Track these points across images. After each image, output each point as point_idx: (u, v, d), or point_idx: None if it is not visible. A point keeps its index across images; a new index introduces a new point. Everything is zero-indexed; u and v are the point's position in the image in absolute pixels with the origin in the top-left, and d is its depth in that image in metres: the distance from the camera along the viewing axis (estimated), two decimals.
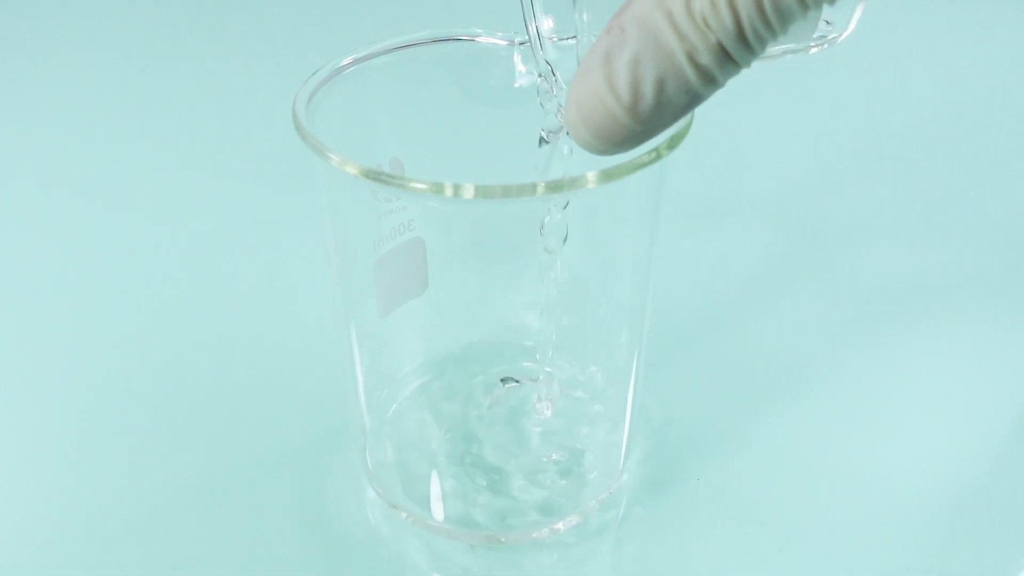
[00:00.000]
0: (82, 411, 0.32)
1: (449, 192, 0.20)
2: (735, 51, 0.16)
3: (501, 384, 0.31)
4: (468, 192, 0.20)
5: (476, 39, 0.26)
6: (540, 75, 0.23)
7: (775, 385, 0.33)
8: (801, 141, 0.49)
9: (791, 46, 0.21)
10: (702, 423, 0.31)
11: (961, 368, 0.34)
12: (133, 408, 0.32)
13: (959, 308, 0.37)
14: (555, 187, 0.20)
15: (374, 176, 0.20)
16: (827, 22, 0.21)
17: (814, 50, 0.21)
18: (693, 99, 0.17)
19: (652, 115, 0.17)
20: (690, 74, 0.16)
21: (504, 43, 0.26)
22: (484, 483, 0.28)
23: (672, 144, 0.21)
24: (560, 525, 0.27)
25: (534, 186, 0.20)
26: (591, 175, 0.20)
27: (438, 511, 0.27)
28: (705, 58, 0.16)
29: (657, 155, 0.21)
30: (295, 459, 0.30)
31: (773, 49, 0.21)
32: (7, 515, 0.28)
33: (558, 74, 0.23)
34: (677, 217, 0.41)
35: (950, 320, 0.36)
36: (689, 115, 0.22)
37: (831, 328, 0.36)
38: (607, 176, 0.20)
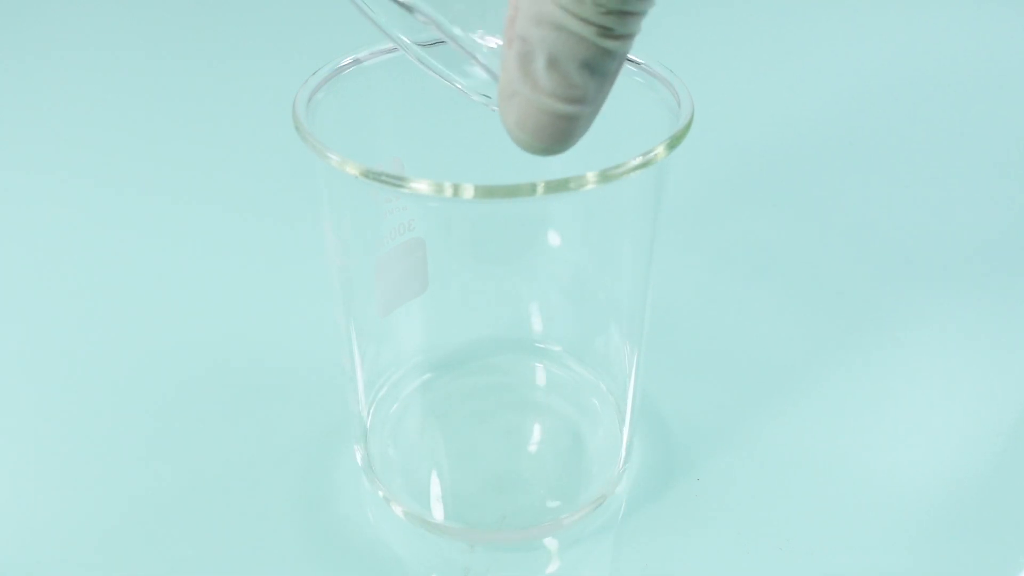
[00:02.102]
0: (81, 410, 0.32)
1: (449, 192, 0.20)
2: (634, 6, 0.16)
3: None
4: (468, 192, 0.20)
5: (478, 39, 0.26)
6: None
7: (775, 385, 0.33)
8: (800, 136, 0.49)
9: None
10: (702, 423, 0.31)
11: (963, 367, 0.34)
12: (133, 407, 0.32)
13: (962, 307, 0.37)
14: (555, 187, 0.20)
15: (374, 176, 0.20)
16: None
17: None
18: (621, 58, 0.17)
19: (595, 92, 0.17)
20: (608, 45, 0.16)
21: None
22: (484, 482, 0.28)
23: (672, 144, 0.21)
24: (560, 525, 0.27)
25: (534, 186, 0.20)
26: (591, 175, 0.20)
27: (438, 510, 0.27)
28: (615, 29, 0.16)
29: (656, 155, 0.21)
30: (295, 458, 0.30)
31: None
32: (8, 516, 0.28)
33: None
34: (677, 216, 0.41)
35: (952, 319, 0.36)
36: (688, 116, 0.22)
37: (832, 328, 0.36)
38: (607, 176, 0.20)
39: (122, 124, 0.51)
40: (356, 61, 0.25)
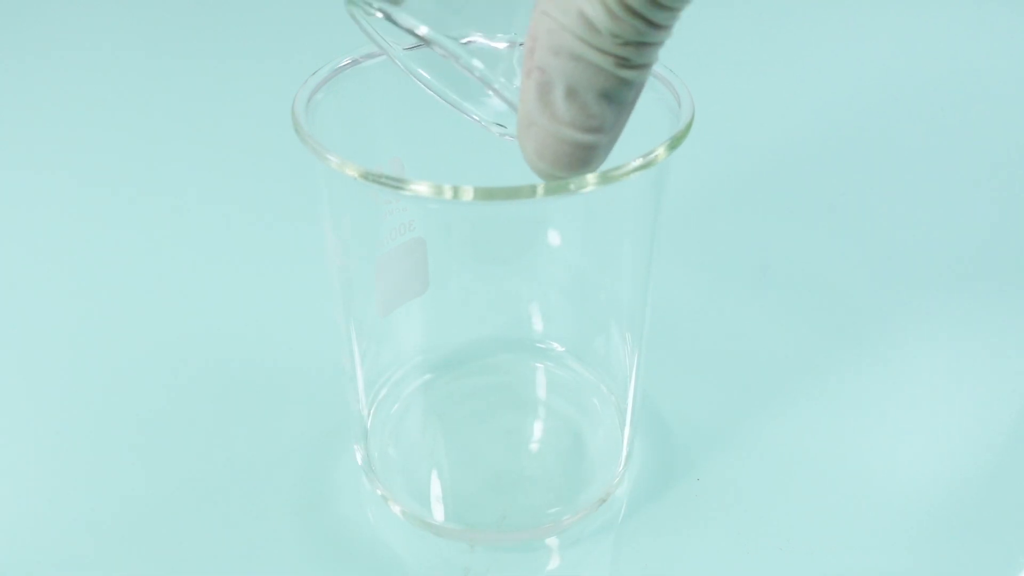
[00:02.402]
0: (80, 409, 0.32)
1: (448, 194, 0.20)
2: (651, 37, 0.16)
3: None
4: (467, 194, 0.20)
5: (475, 40, 0.26)
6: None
7: (775, 385, 0.33)
8: (801, 137, 0.49)
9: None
10: (702, 423, 0.31)
11: (963, 368, 0.34)
12: (133, 407, 0.32)
13: (962, 308, 0.37)
14: (555, 189, 0.20)
15: (373, 178, 0.20)
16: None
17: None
18: (639, 87, 0.17)
19: (613, 121, 0.17)
20: (626, 75, 0.17)
21: (504, 45, 0.26)
22: (484, 482, 0.28)
23: (672, 145, 0.21)
24: (560, 525, 0.27)
25: (534, 188, 0.20)
26: (591, 176, 0.20)
27: (438, 510, 0.27)
28: (633, 59, 0.16)
29: (657, 156, 0.21)
30: (295, 459, 0.30)
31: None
32: (8, 516, 0.28)
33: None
34: (678, 218, 0.41)
35: (952, 320, 0.36)
36: (689, 116, 0.22)
37: (832, 328, 0.36)
38: (607, 177, 0.20)
39: (122, 124, 0.51)
40: (355, 61, 0.25)
